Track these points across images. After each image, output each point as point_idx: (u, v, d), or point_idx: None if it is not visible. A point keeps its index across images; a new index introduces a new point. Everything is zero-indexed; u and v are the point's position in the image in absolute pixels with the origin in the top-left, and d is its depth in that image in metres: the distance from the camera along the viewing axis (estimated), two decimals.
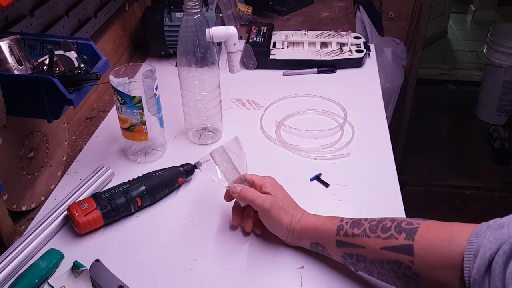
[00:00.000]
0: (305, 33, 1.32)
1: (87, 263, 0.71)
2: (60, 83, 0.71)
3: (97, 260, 0.71)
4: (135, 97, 0.84)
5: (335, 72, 1.24)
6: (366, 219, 0.66)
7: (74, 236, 0.78)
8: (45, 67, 0.76)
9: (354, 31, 1.39)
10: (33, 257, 0.74)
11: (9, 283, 0.69)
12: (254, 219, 0.77)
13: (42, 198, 0.87)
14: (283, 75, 1.24)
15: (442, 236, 0.57)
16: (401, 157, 2.31)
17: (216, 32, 0.90)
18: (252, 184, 0.76)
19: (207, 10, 1.23)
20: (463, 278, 0.53)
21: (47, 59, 0.75)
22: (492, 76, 2.66)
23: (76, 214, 0.76)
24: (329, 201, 0.84)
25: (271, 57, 1.26)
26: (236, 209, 0.78)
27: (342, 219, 0.68)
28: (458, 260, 0.54)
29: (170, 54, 1.30)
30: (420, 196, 2.30)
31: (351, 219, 0.68)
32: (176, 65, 1.14)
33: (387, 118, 1.06)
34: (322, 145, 0.97)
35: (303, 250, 0.74)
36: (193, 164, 0.88)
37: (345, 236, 0.66)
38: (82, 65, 0.78)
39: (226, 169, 0.77)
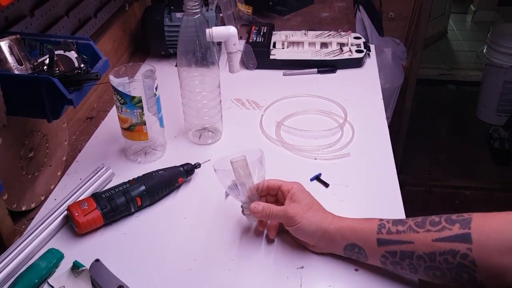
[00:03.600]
0: (305, 33, 1.32)
1: (87, 263, 0.71)
2: (60, 83, 0.71)
3: (97, 260, 0.71)
4: (135, 97, 0.84)
5: (335, 72, 1.24)
6: (407, 218, 0.66)
7: (74, 236, 0.78)
8: (45, 67, 0.76)
9: (354, 31, 1.39)
10: (33, 257, 0.74)
11: (9, 283, 0.69)
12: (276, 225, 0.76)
13: (42, 198, 0.87)
14: (283, 75, 1.24)
15: (500, 222, 0.57)
16: (401, 157, 2.30)
17: (216, 32, 0.90)
18: (278, 190, 0.75)
19: (207, 10, 1.24)
20: None
21: (47, 59, 0.75)
22: (492, 76, 2.66)
23: (76, 214, 0.76)
24: (329, 202, 0.84)
25: (271, 57, 1.26)
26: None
27: (381, 219, 0.67)
28: None
29: (170, 54, 1.30)
30: (420, 196, 2.29)
31: (390, 219, 0.67)
32: (176, 65, 1.14)
33: (387, 118, 1.06)
34: (322, 145, 0.97)
35: (303, 250, 0.74)
36: (193, 164, 0.88)
37: (389, 234, 0.65)
38: (82, 65, 0.78)
39: (245, 183, 0.73)
